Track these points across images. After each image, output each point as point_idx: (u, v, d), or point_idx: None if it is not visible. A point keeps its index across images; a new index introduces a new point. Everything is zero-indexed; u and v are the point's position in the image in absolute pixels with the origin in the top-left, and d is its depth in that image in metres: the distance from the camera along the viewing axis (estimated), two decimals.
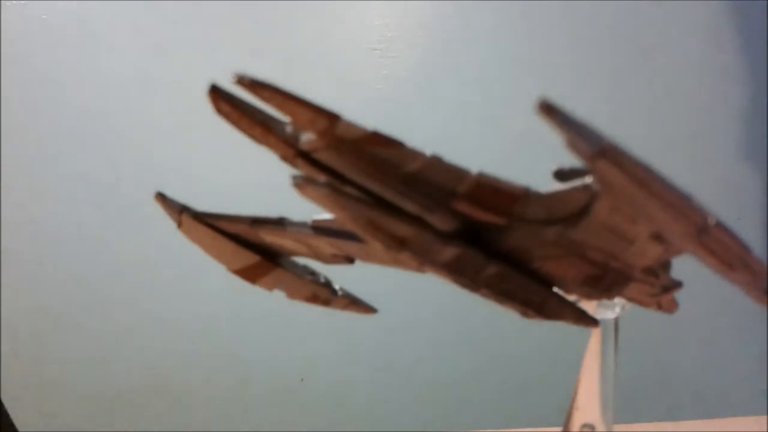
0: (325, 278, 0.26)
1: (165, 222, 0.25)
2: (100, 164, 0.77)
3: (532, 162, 0.81)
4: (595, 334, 0.22)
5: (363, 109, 0.93)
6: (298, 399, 0.77)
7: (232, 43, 0.80)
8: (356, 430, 0.76)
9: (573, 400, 0.22)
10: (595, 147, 0.14)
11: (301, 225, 0.22)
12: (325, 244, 0.22)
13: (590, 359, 0.22)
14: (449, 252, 0.18)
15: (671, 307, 0.19)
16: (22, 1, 0.77)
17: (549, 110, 0.14)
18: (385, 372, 0.78)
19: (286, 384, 0.77)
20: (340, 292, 0.26)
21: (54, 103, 0.77)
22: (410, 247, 0.18)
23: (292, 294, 0.25)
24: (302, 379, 0.77)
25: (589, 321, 0.21)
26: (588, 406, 0.21)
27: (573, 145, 0.14)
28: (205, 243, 0.24)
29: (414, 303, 0.73)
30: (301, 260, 0.25)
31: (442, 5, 0.82)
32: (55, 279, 0.76)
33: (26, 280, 0.76)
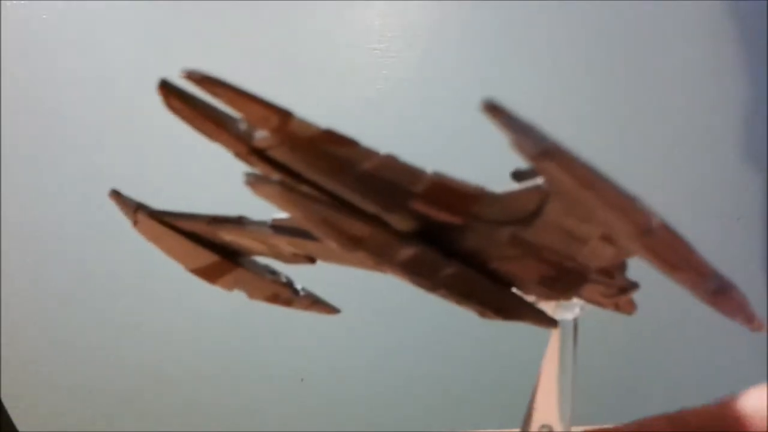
0: (287, 278, 0.25)
1: None
2: (101, 164, 0.77)
3: None
4: (555, 334, 0.22)
5: (363, 108, 0.94)
6: (298, 399, 0.77)
7: (231, 43, 0.80)
8: (356, 431, 0.76)
9: (531, 401, 0.22)
10: (539, 148, 0.14)
11: (261, 224, 0.22)
12: (285, 244, 0.22)
13: (549, 360, 0.22)
14: (406, 252, 0.18)
15: (629, 308, 0.19)
16: (22, 2, 0.77)
17: (494, 110, 0.14)
18: (386, 373, 0.78)
19: (286, 384, 0.77)
20: (302, 292, 0.26)
21: (54, 103, 0.77)
22: (366, 247, 0.18)
23: (252, 294, 0.25)
24: (302, 379, 0.77)
25: (548, 322, 0.21)
26: (546, 407, 0.21)
27: (518, 146, 0.14)
28: (161, 242, 0.23)
29: (414, 303, 0.73)
30: (264, 260, 0.25)
31: (442, 5, 0.82)
32: (55, 279, 0.76)
33: (26, 281, 0.76)
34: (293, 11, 0.80)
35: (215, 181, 0.74)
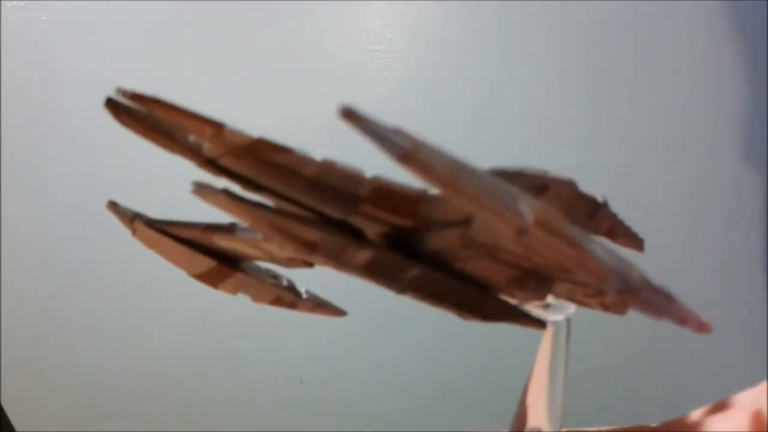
0: (288, 281, 0.25)
1: None
2: (101, 164, 0.77)
3: (532, 160, 0.81)
4: (546, 335, 0.21)
5: (363, 110, 0.93)
6: (298, 401, 0.77)
7: (231, 44, 0.80)
8: (356, 431, 0.76)
9: (520, 403, 0.21)
10: (399, 151, 0.14)
11: (251, 230, 0.22)
12: (276, 248, 0.22)
13: (540, 361, 0.21)
14: (364, 255, 0.18)
15: (617, 309, 0.18)
16: (23, 2, 0.77)
17: (351, 116, 0.14)
18: (386, 374, 0.78)
19: (286, 386, 0.77)
20: (305, 295, 0.26)
21: (54, 103, 0.77)
22: (321, 251, 0.18)
23: (256, 298, 0.25)
24: (302, 381, 0.77)
25: (533, 323, 0.21)
26: (536, 410, 0.21)
27: (382, 150, 0.14)
28: (160, 249, 0.24)
29: (414, 304, 0.73)
30: (267, 264, 0.25)
31: (442, 6, 0.82)
32: (54, 280, 0.76)
33: (26, 281, 0.76)
34: (293, 12, 0.80)
35: (215, 180, 0.74)
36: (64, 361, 0.76)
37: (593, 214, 0.20)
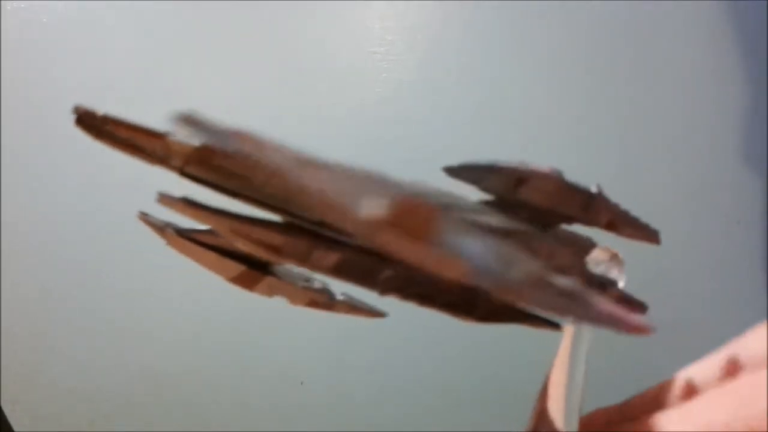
0: (322, 284, 0.25)
1: None
2: (100, 165, 0.77)
3: (532, 161, 0.81)
4: (566, 338, 0.21)
5: (363, 111, 0.93)
6: (298, 402, 0.77)
7: (231, 45, 0.80)
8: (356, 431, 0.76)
9: (538, 403, 0.21)
10: (225, 148, 0.14)
11: None
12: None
13: (560, 362, 0.21)
14: (333, 257, 0.18)
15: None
16: (23, 4, 0.77)
17: (190, 121, 0.14)
18: (385, 375, 0.78)
19: (286, 387, 0.77)
20: (340, 297, 0.26)
21: (54, 103, 0.77)
22: (286, 254, 0.18)
23: (292, 300, 0.25)
24: (302, 383, 0.77)
25: (546, 324, 0.20)
26: (552, 413, 0.20)
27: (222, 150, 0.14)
28: (194, 256, 0.24)
29: (415, 306, 0.73)
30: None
31: (442, 8, 0.82)
32: (55, 280, 0.76)
33: (26, 281, 0.76)
34: (293, 14, 0.80)
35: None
36: (64, 361, 0.76)
37: (587, 206, 0.19)
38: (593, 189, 0.19)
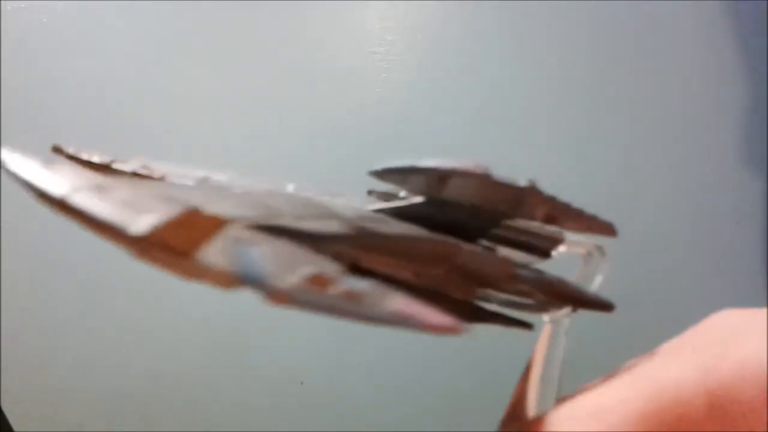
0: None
1: None
2: None
3: (533, 162, 0.82)
4: (543, 334, 0.20)
5: (363, 112, 0.93)
6: (298, 402, 0.77)
7: (231, 45, 0.80)
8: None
9: (510, 404, 0.21)
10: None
11: None
12: None
13: (536, 360, 0.20)
14: None
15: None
16: (23, 4, 0.77)
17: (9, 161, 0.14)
18: (385, 375, 0.78)
19: (286, 387, 0.77)
20: None
21: (54, 104, 0.77)
22: (353, 242, 0.18)
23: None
24: (302, 383, 0.77)
25: (513, 324, 0.20)
26: (526, 412, 0.20)
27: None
28: None
29: None
30: None
31: (441, 8, 0.82)
32: (55, 281, 0.76)
33: (26, 282, 0.76)
34: (293, 14, 0.80)
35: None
36: (64, 361, 0.76)
37: (519, 201, 0.18)
38: (522, 183, 0.18)
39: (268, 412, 0.77)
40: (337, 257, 0.16)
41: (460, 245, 0.18)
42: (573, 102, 0.81)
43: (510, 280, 0.18)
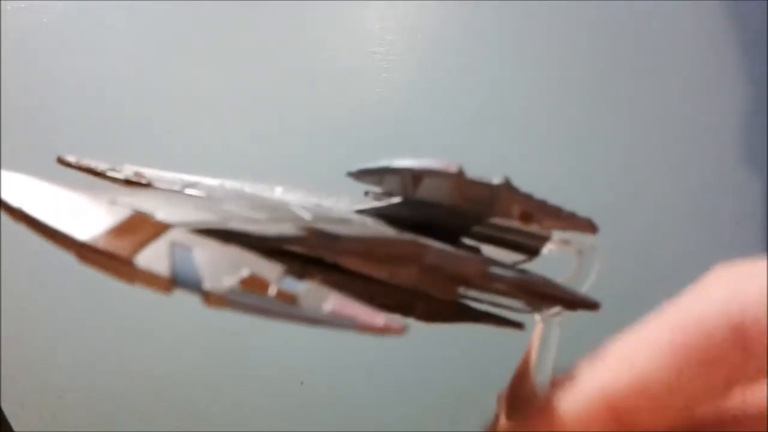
0: None
1: None
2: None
3: (532, 162, 0.82)
4: (536, 333, 0.20)
5: (363, 112, 0.93)
6: (298, 402, 0.77)
7: (231, 45, 0.80)
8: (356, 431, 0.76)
9: (501, 405, 0.21)
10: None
11: None
12: None
13: (528, 359, 0.20)
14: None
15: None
16: (23, 4, 0.77)
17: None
18: (385, 375, 0.78)
19: (286, 387, 0.77)
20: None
21: (54, 104, 0.77)
22: (307, 243, 0.18)
23: None
24: (302, 383, 0.77)
25: (502, 323, 0.20)
26: (516, 412, 0.19)
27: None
28: None
29: None
30: None
31: (441, 8, 0.82)
32: (55, 281, 0.76)
33: (26, 282, 0.76)
34: (293, 14, 0.80)
35: (216, 177, 0.74)
36: (64, 361, 0.76)
37: (494, 199, 0.18)
38: (495, 180, 0.18)
39: (268, 412, 0.77)
40: (294, 259, 0.16)
41: (428, 245, 0.17)
42: (573, 102, 0.81)
43: (484, 279, 0.18)
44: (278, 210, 0.19)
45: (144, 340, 0.76)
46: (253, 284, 0.13)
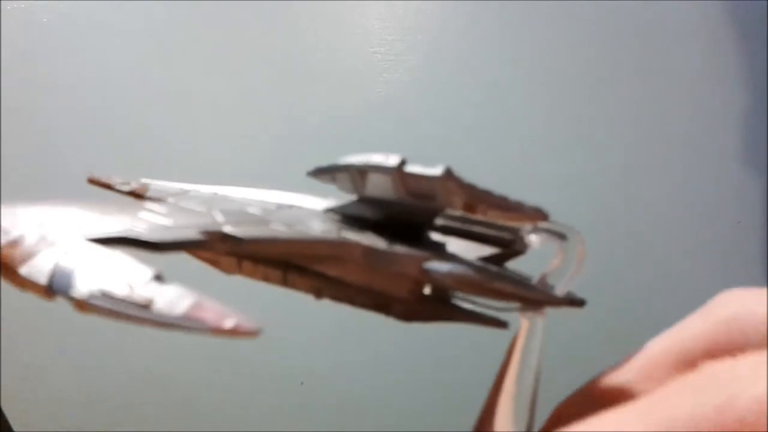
0: None
1: None
2: (101, 164, 0.76)
3: (532, 162, 0.82)
4: (521, 333, 0.20)
5: (363, 112, 0.93)
6: (298, 402, 0.77)
7: (231, 46, 0.80)
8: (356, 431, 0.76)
9: (485, 405, 0.20)
10: None
11: None
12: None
13: (512, 360, 0.20)
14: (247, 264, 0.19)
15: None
16: (23, 3, 0.77)
17: None
18: (385, 375, 0.78)
19: (285, 387, 0.77)
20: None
21: (54, 104, 0.77)
22: (217, 264, 0.19)
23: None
24: (302, 383, 0.77)
25: (484, 321, 0.20)
26: (501, 412, 0.19)
27: None
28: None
29: None
30: None
31: (442, 8, 0.82)
32: None
33: None
34: (293, 14, 0.80)
35: (216, 178, 0.74)
36: (64, 362, 0.76)
37: (436, 190, 0.17)
38: (432, 173, 0.17)
39: (268, 412, 0.77)
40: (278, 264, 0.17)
41: (357, 244, 0.17)
42: (573, 102, 0.81)
43: (422, 275, 0.17)
44: (216, 214, 0.19)
45: (144, 340, 0.76)
46: (112, 289, 0.14)
